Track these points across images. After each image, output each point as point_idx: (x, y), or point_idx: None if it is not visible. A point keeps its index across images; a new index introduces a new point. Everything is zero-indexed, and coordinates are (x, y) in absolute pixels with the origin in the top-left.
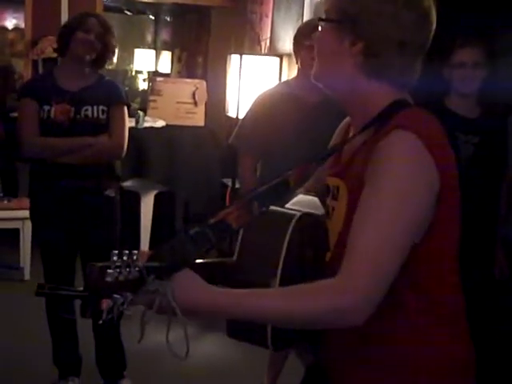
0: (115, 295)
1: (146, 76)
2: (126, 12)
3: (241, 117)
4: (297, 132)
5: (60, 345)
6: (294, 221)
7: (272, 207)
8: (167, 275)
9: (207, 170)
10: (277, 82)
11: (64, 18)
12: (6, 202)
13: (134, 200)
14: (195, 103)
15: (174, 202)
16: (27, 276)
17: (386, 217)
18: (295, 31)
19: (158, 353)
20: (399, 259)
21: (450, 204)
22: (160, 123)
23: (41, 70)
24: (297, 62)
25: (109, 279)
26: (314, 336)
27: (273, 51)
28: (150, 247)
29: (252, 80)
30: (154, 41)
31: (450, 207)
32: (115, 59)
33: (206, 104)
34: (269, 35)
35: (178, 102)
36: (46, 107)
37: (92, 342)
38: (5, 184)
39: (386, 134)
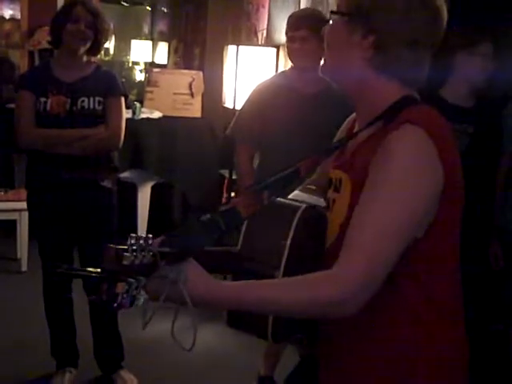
0: (130, 279)
1: (142, 67)
2: (123, 3)
3: (238, 108)
4: (293, 123)
5: (58, 336)
6: (299, 212)
7: (276, 198)
8: (177, 261)
9: (204, 161)
10: (273, 72)
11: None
12: (2, 193)
13: (131, 191)
14: (192, 94)
15: (171, 193)
16: (24, 267)
17: (386, 207)
18: None
19: (157, 343)
20: (396, 250)
21: (453, 202)
22: (157, 114)
23: (37, 61)
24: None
25: (125, 262)
26: (311, 328)
27: (269, 42)
28: None
29: (249, 71)
30: (151, 32)
31: (453, 205)
32: (112, 51)
33: (202, 95)
34: (265, 26)
35: (174, 94)
36: (43, 99)
37: (90, 334)
38: (1, 175)
39: (396, 128)
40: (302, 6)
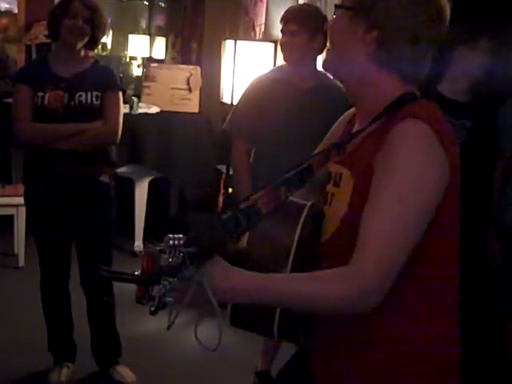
0: (164, 281)
1: (140, 62)
2: None
3: (235, 103)
4: (288, 117)
5: (55, 331)
6: (305, 210)
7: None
8: (201, 261)
9: (202, 156)
10: (271, 67)
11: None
12: None
13: (128, 186)
14: (189, 89)
15: (169, 188)
16: (22, 263)
17: (399, 206)
18: None
19: (156, 338)
20: (409, 249)
21: (455, 198)
22: (154, 109)
23: (34, 56)
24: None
25: (162, 264)
26: (309, 324)
27: (267, 37)
28: (145, 234)
29: (246, 66)
30: (149, 26)
31: (454, 201)
32: (109, 45)
33: (200, 90)
34: (263, 21)
35: (172, 88)
36: (40, 93)
37: (87, 329)
38: None
39: (399, 122)
40: (300, 1)
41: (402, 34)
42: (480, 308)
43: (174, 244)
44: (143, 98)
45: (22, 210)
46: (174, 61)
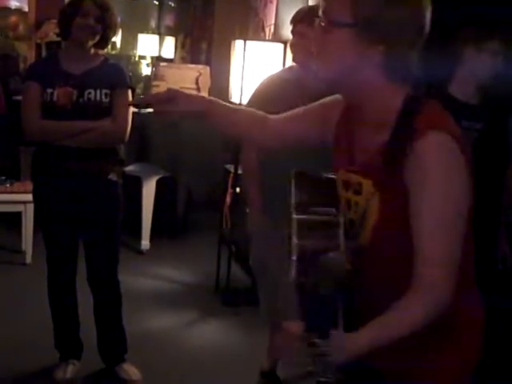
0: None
1: (149, 61)
2: None
3: (244, 103)
4: None
5: (61, 328)
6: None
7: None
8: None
9: (210, 155)
10: (280, 68)
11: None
12: (8, 185)
13: (135, 185)
14: (198, 89)
15: (176, 187)
16: (29, 260)
17: (445, 216)
18: None
19: (161, 337)
20: (460, 245)
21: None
22: None
23: (44, 54)
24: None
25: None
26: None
27: (277, 37)
28: (152, 233)
29: (256, 66)
30: (158, 26)
31: (470, 204)
32: (119, 44)
33: (209, 90)
34: (273, 21)
35: (181, 88)
36: (49, 90)
37: (93, 326)
38: (7, 167)
39: (421, 136)
40: (311, 2)
41: (404, 44)
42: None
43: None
44: None
45: (30, 207)
46: (184, 60)
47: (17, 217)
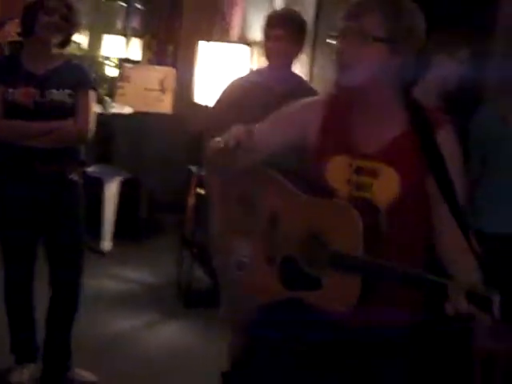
0: None
1: (114, 62)
2: None
3: (209, 104)
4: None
5: (17, 332)
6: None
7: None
8: None
9: (173, 157)
10: (247, 70)
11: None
12: None
13: (97, 186)
14: (163, 90)
15: (139, 188)
16: None
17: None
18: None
19: (122, 339)
20: None
21: None
22: (127, 110)
23: (7, 54)
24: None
25: None
26: None
27: (243, 39)
28: (114, 234)
29: (222, 68)
30: (124, 27)
31: None
32: (84, 45)
33: (174, 91)
34: (239, 23)
35: (145, 89)
36: (11, 90)
37: None
38: None
39: (440, 127)
40: (277, 4)
41: (416, 54)
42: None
43: None
44: (117, 98)
45: None
46: (150, 62)
47: None
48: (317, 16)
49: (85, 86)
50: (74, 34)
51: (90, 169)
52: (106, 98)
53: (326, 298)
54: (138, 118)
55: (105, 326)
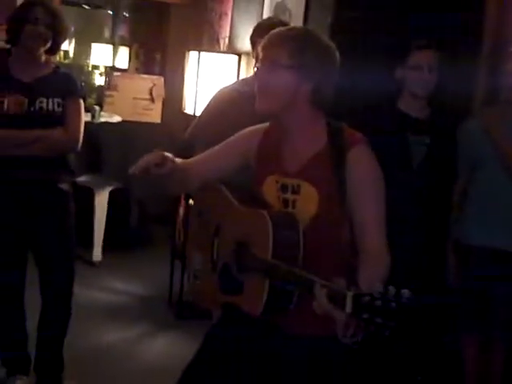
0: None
1: (102, 71)
2: (84, 6)
3: (198, 114)
4: None
5: (8, 343)
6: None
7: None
8: None
9: None
10: (235, 79)
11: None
12: None
13: (87, 196)
14: (152, 99)
15: (130, 199)
16: None
17: (380, 202)
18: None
19: (112, 350)
20: None
21: None
22: (116, 119)
23: None
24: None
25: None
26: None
27: (231, 49)
28: (104, 245)
29: (210, 77)
30: (112, 36)
31: None
32: (71, 54)
33: (163, 101)
34: (228, 33)
35: (134, 98)
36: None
37: None
38: None
39: (351, 147)
40: (265, 15)
41: (328, 82)
42: (436, 325)
43: None
44: (105, 107)
45: None
46: (137, 71)
47: None
48: (304, 25)
49: (74, 94)
50: (62, 41)
51: (80, 178)
52: (95, 107)
53: (244, 301)
54: (127, 127)
55: (96, 338)
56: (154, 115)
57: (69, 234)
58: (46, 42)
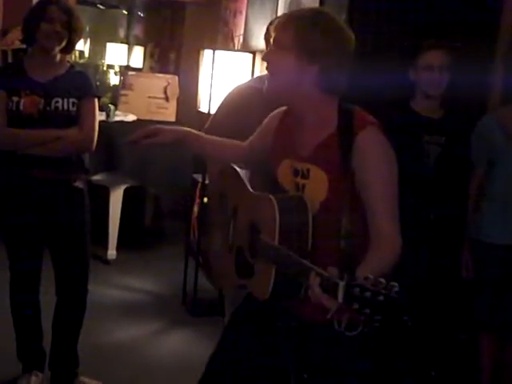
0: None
1: (117, 70)
2: (99, 6)
3: (212, 112)
4: None
5: (24, 339)
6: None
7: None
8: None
9: (178, 165)
10: (249, 78)
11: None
12: None
13: (103, 194)
14: (167, 98)
15: (144, 197)
16: None
17: (390, 188)
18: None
19: (127, 348)
20: None
21: None
22: (131, 117)
23: (10, 61)
24: None
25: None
26: None
27: (246, 47)
28: (119, 243)
29: (225, 76)
30: (127, 35)
31: None
32: (87, 53)
33: (177, 99)
34: (242, 32)
35: (149, 97)
36: (15, 98)
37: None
38: None
39: (360, 130)
40: (279, 13)
41: (337, 64)
42: (452, 322)
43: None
44: (120, 106)
45: None
46: (152, 70)
47: None
48: None
49: (89, 94)
50: (77, 40)
51: (95, 177)
52: (110, 106)
53: (253, 286)
54: (142, 126)
55: (110, 335)
56: (169, 114)
57: (84, 232)
58: (61, 40)
